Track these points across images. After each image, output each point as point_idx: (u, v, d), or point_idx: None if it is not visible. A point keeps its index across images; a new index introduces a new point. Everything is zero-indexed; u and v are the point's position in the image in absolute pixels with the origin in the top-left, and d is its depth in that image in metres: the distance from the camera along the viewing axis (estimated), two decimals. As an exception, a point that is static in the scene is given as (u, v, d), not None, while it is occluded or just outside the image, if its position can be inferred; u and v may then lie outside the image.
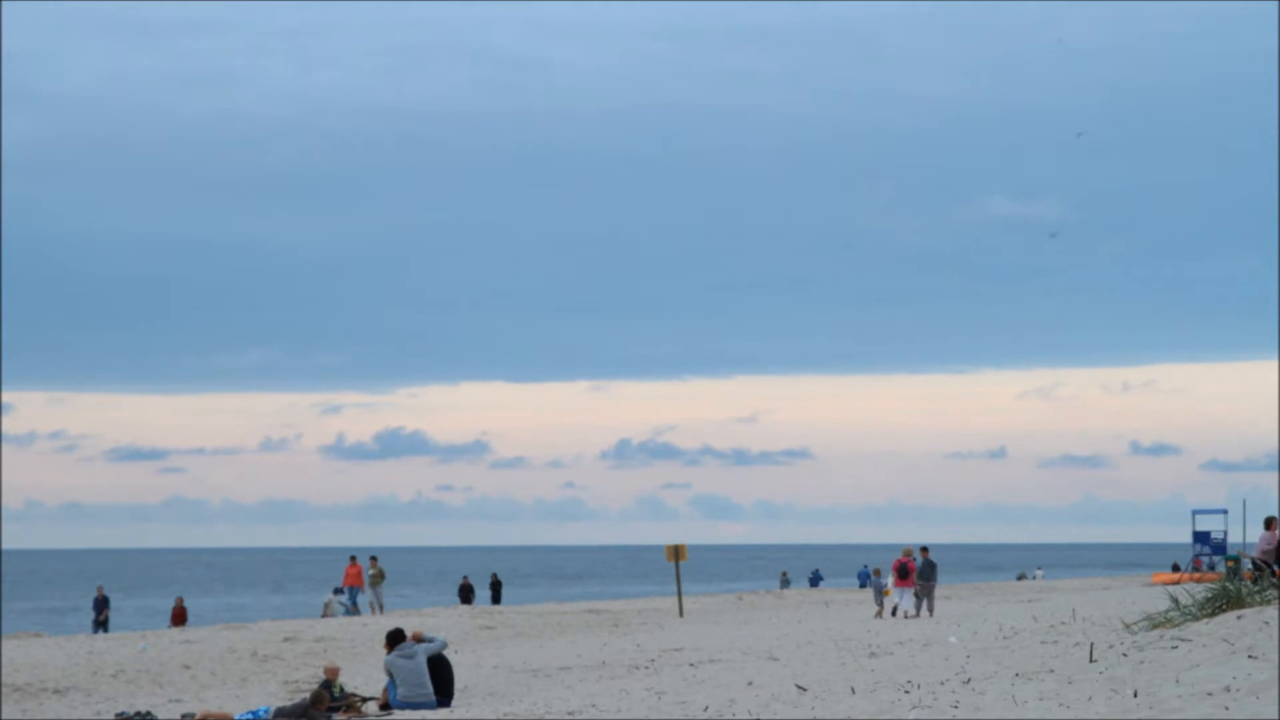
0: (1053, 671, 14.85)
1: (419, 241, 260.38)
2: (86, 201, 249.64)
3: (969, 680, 15.46)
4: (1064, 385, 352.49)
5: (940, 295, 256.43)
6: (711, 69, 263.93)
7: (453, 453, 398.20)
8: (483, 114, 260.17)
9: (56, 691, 30.12)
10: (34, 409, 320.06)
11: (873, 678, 17.97)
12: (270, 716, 24.21)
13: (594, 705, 19.63)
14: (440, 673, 24.78)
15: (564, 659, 31.81)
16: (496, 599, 62.22)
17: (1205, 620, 16.49)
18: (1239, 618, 15.88)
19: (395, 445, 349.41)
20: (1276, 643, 13.63)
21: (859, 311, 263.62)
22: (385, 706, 24.55)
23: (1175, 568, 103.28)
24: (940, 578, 47.51)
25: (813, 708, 15.33)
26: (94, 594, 54.72)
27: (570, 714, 18.99)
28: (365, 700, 24.81)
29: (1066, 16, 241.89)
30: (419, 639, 25.01)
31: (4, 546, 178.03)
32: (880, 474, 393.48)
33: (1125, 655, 15.01)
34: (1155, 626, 17.09)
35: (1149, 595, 38.65)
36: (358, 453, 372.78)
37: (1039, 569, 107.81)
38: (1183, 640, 15.06)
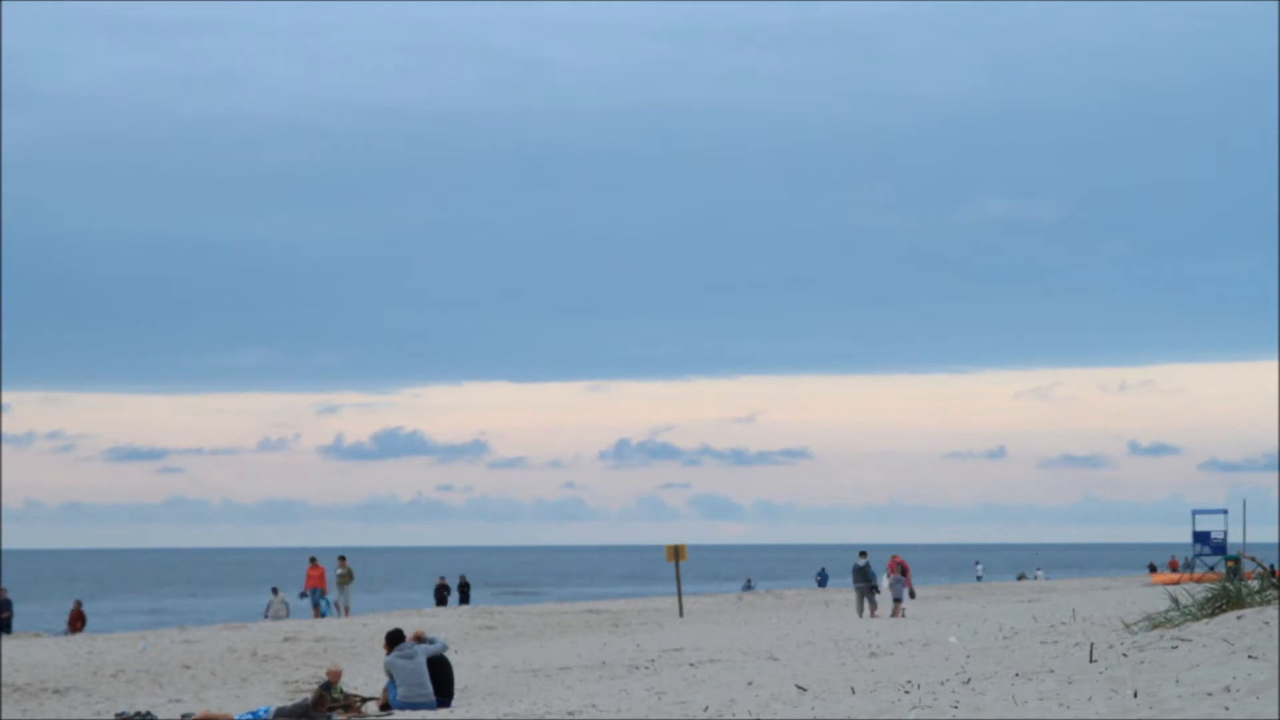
0: (1053, 671, 14.85)
1: (419, 241, 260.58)
2: (86, 201, 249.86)
3: (969, 680, 15.46)
4: (1064, 385, 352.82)
5: (940, 295, 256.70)
6: (712, 69, 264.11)
7: (452, 453, 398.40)
8: (483, 114, 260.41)
9: (56, 691, 30.12)
10: (31, 409, 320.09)
11: (873, 678, 17.96)
12: (270, 717, 24.21)
13: (594, 705, 19.63)
14: (440, 673, 24.78)
15: (564, 659, 31.81)
16: (465, 600, 61.19)
17: (1205, 620, 16.48)
18: (1239, 618, 15.87)
19: (394, 445, 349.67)
20: (1276, 643, 13.63)
21: (858, 311, 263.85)
22: (385, 707, 24.55)
23: (1152, 568, 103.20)
24: (940, 578, 48.71)
25: (813, 708, 15.33)
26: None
27: (570, 714, 18.99)
28: (365, 700, 24.81)
29: (1067, 16, 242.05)
30: (420, 639, 25.00)
31: (4, 547, 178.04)
32: (880, 474, 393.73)
33: (1125, 655, 15.00)
34: (1155, 626, 17.09)
35: (1149, 595, 38.65)
36: (356, 453, 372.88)
37: (1039, 569, 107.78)
38: (1183, 640, 15.05)
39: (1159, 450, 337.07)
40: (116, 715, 25.58)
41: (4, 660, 33.49)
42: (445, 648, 25.29)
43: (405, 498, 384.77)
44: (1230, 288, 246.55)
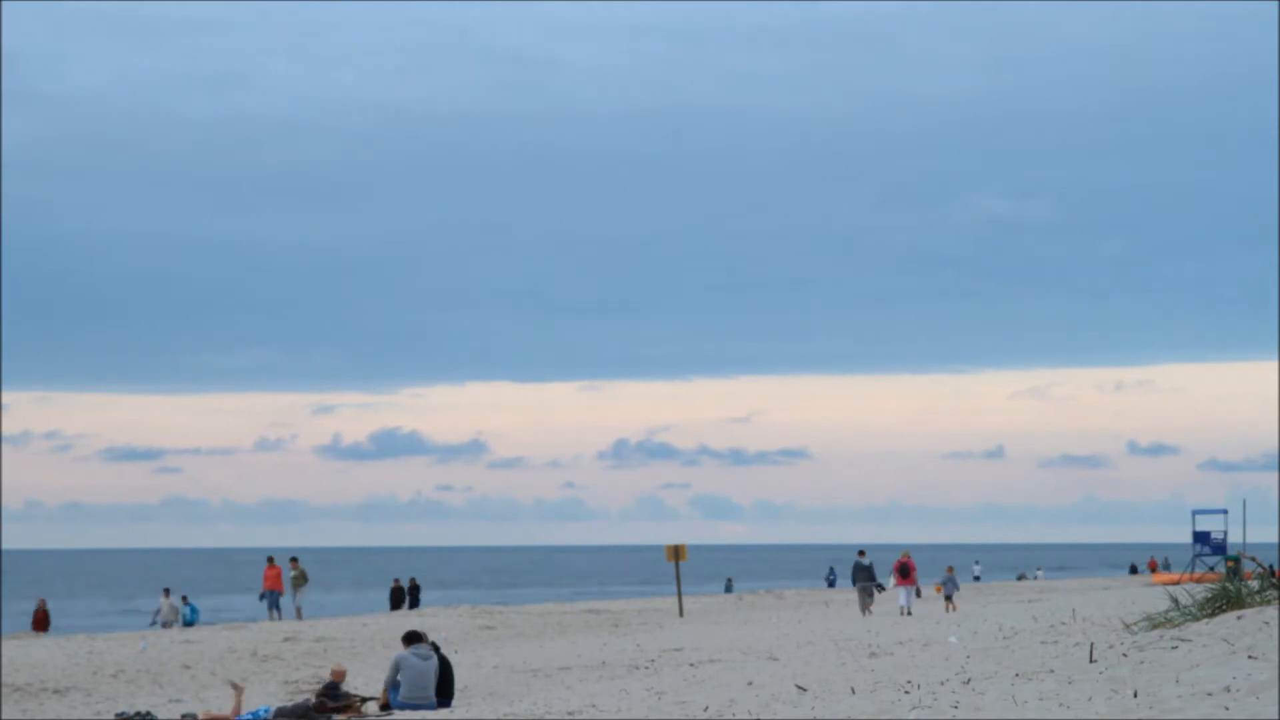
0: (1053, 671, 14.85)
1: (419, 241, 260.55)
2: (86, 201, 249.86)
3: (969, 680, 15.46)
4: (1063, 385, 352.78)
5: (939, 295, 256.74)
6: (712, 69, 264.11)
7: (450, 453, 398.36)
8: (484, 114, 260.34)
9: (56, 691, 30.12)
10: (26, 409, 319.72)
11: (873, 678, 17.96)
12: (270, 717, 24.22)
13: (594, 705, 19.63)
14: (440, 673, 24.78)
15: (564, 659, 31.81)
16: (414, 603, 59.47)
17: (1205, 620, 16.48)
18: (1239, 618, 15.87)
19: (392, 445, 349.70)
20: (1276, 643, 13.63)
21: (857, 312, 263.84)
22: (385, 707, 24.54)
23: (1133, 569, 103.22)
24: (940, 578, 49.25)
25: (813, 708, 15.33)
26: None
27: (570, 714, 18.99)
28: (365, 700, 24.81)
29: (1066, 16, 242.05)
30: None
31: (4, 547, 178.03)
32: (879, 474, 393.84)
33: (1125, 655, 15.00)
34: (1155, 626, 17.09)
35: (1149, 595, 38.65)
36: (355, 453, 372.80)
37: (1039, 569, 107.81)
38: (1183, 640, 15.05)
39: (1158, 450, 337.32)
40: (116, 715, 25.58)
41: (4, 660, 33.50)
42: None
43: (405, 497, 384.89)
44: (1230, 288, 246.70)
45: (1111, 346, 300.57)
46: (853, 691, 16.41)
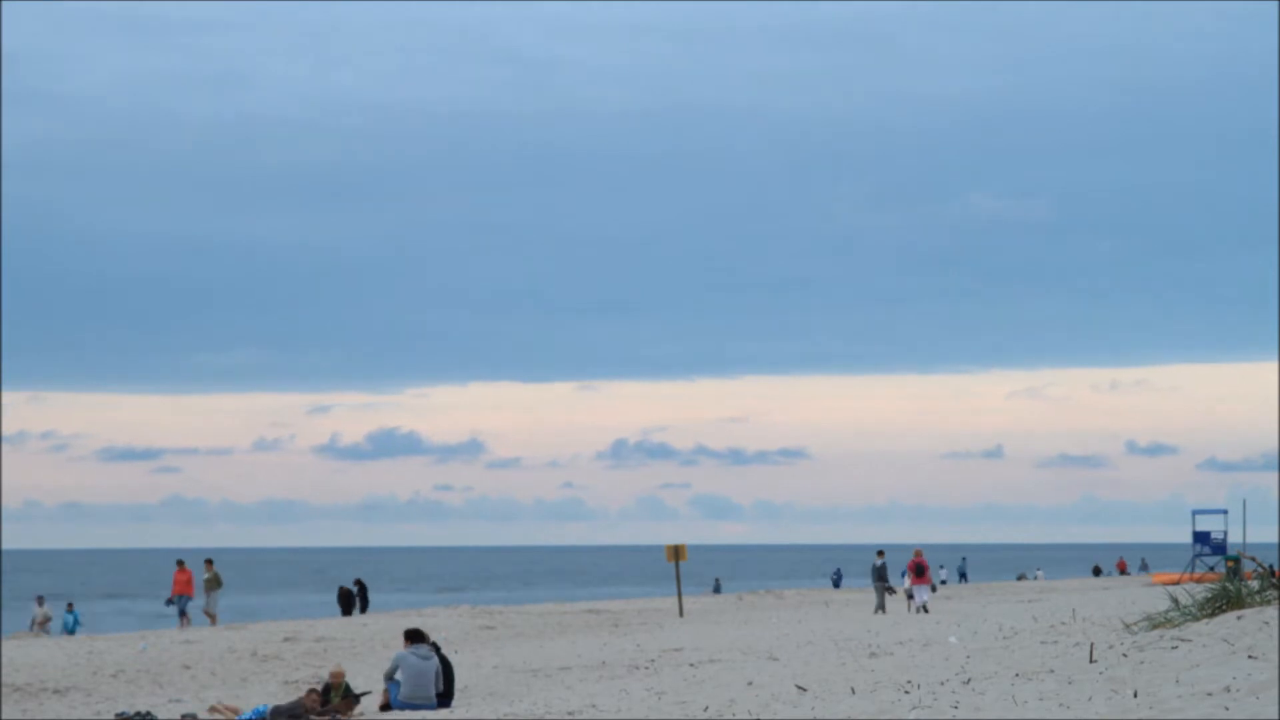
0: (1053, 671, 14.85)
1: (419, 241, 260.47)
2: (87, 201, 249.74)
3: (969, 680, 15.46)
4: (1062, 385, 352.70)
5: (938, 295, 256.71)
6: (712, 69, 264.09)
7: (448, 453, 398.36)
8: (484, 114, 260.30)
9: (56, 691, 30.12)
10: (21, 409, 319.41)
11: (873, 678, 17.96)
12: (268, 715, 24.23)
13: (594, 705, 19.63)
14: (440, 673, 24.78)
15: (564, 659, 31.81)
16: (364, 607, 56.53)
17: (1205, 620, 16.48)
18: (1239, 618, 15.87)
19: (390, 445, 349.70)
20: (1276, 643, 13.63)
21: (856, 312, 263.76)
22: (385, 706, 24.55)
23: (1096, 571, 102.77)
24: (941, 578, 49.50)
25: (813, 708, 15.33)
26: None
27: (570, 714, 18.99)
28: (359, 697, 24.81)
29: (1065, 16, 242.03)
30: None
31: (4, 547, 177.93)
32: (878, 474, 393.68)
33: (1125, 655, 15.00)
34: (1155, 627, 17.08)
35: (1149, 595, 38.64)
36: (353, 453, 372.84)
37: (1039, 569, 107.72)
38: (1183, 640, 15.05)
39: (1157, 450, 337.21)
40: (116, 715, 25.58)
41: (4, 660, 33.49)
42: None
43: (404, 497, 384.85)
44: (1230, 288, 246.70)
45: (1110, 346, 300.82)
46: (853, 691, 16.41)
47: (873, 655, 23.37)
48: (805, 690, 17.44)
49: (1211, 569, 69.69)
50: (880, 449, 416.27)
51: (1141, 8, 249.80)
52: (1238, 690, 11.80)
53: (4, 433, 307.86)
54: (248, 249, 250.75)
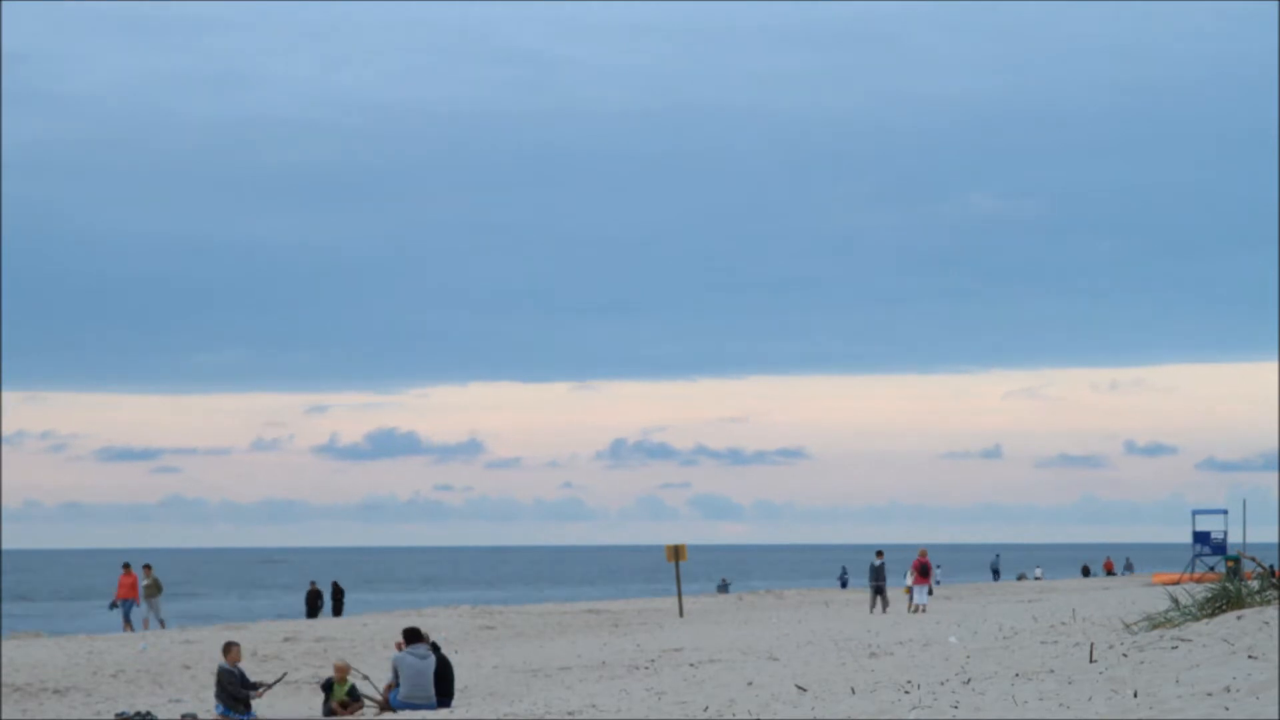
0: (1053, 671, 14.85)
1: (419, 241, 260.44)
2: (87, 201, 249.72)
3: (969, 680, 15.46)
4: (1061, 385, 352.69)
5: (938, 295, 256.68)
6: (712, 69, 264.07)
7: (447, 453, 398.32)
8: (484, 114, 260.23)
9: (56, 691, 30.12)
10: (16, 408, 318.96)
11: (873, 678, 17.96)
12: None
13: (594, 705, 19.63)
14: (440, 673, 24.79)
15: (564, 659, 31.82)
16: (338, 609, 55.62)
17: (1205, 620, 16.48)
18: (1239, 618, 15.88)
19: (389, 445, 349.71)
20: (1276, 643, 13.63)
21: (856, 312, 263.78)
22: (385, 706, 24.56)
23: (1085, 571, 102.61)
24: (942, 578, 49.68)
25: (813, 708, 15.33)
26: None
27: (570, 714, 18.99)
28: (360, 700, 24.84)
29: (1065, 16, 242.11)
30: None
31: (4, 547, 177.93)
32: (877, 474, 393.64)
33: (1125, 655, 15.00)
34: (1155, 627, 17.09)
35: (1149, 595, 38.65)
36: (352, 453, 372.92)
37: (1038, 568, 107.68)
38: (1183, 640, 15.06)
39: (1156, 450, 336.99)
40: (116, 715, 25.60)
41: (4, 660, 33.49)
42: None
43: (404, 497, 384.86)
44: (1230, 288, 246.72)
45: (1110, 346, 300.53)
46: (853, 691, 16.41)
47: (873, 655, 23.37)
48: (805, 690, 17.45)
49: (1211, 569, 69.69)
50: (880, 449, 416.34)
51: (1141, 8, 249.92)
52: (1238, 690, 11.80)
53: (3, 433, 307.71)
54: (248, 249, 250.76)
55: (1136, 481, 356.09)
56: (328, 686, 25.14)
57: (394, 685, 24.57)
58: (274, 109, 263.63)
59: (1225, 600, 17.00)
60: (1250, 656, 13.21)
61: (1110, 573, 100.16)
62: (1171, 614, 17.23)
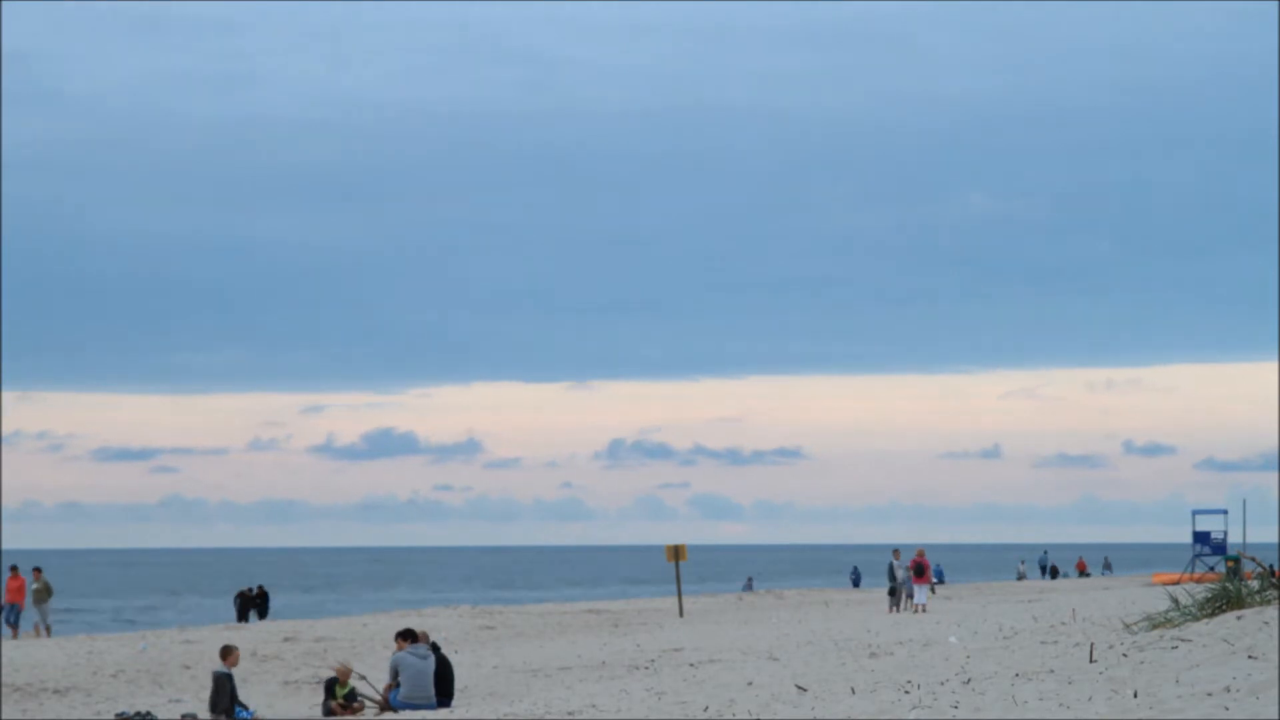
0: (1053, 671, 14.85)
1: (419, 241, 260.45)
2: (88, 202, 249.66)
3: (969, 680, 15.46)
4: (1061, 385, 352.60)
5: (937, 295, 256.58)
6: (712, 69, 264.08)
7: (445, 453, 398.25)
8: (485, 114, 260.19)
9: (56, 691, 30.12)
10: (16, 408, 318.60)
11: (873, 678, 17.96)
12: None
13: (594, 705, 19.62)
14: (440, 673, 24.79)
15: (564, 659, 31.83)
16: (262, 613, 54.27)
17: (1205, 620, 16.48)
18: (1239, 618, 15.88)
19: (387, 445, 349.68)
20: (1276, 643, 13.63)
21: (855, 312, 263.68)
22: (385, 706, 24.56)
23: (1054, 572, 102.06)
24: (948, 578, 49.88)
25: (813, 708, 15.33)
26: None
27: (570, 714, 18.99)
28: (357, 700, 24.83)
29: (1067, 16, 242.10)
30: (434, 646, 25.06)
31: (4, 547, 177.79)
32: (877, 474, 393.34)
33: (1125, 655, 15.01)
34: (1155, 627, 17.09)
35: (1149, 595, 38.66)
36: (352, 453, 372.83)
37: (1022, 560, 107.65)
38: (1183, 640, 15.06)
39: (1154, 450, 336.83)
40: (116, 715, 25.60)
41: (4, 660, 33.49)
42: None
43: (403, 497, 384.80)
44: (1230, 288, 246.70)
45: (1109, 346, 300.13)
46: (853, 691, 16.41)
47: (873, 655, 23.37)
48: (805, 690, 17.44)
49: (1211, 569, 69.70)
50: (879, 449, 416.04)
51: (1141, 8, 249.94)
52: (1238, 690, 11.81)
53: (2, 433, 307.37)
54: (248, 249, 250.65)
55: (1136, 481, 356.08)
56: (329, 687, 25.15)
57: (394, 685, 24.56)
58: (275, 109, 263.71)
59: (1225, 600, 17.00)
60: (1250, 656, 13.22)
61: (1084, 573, 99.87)
62: (1171, 614, 17.23)
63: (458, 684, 25.75)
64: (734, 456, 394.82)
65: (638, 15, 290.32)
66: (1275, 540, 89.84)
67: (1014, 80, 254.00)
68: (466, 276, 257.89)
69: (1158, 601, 21.79)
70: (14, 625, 43.89)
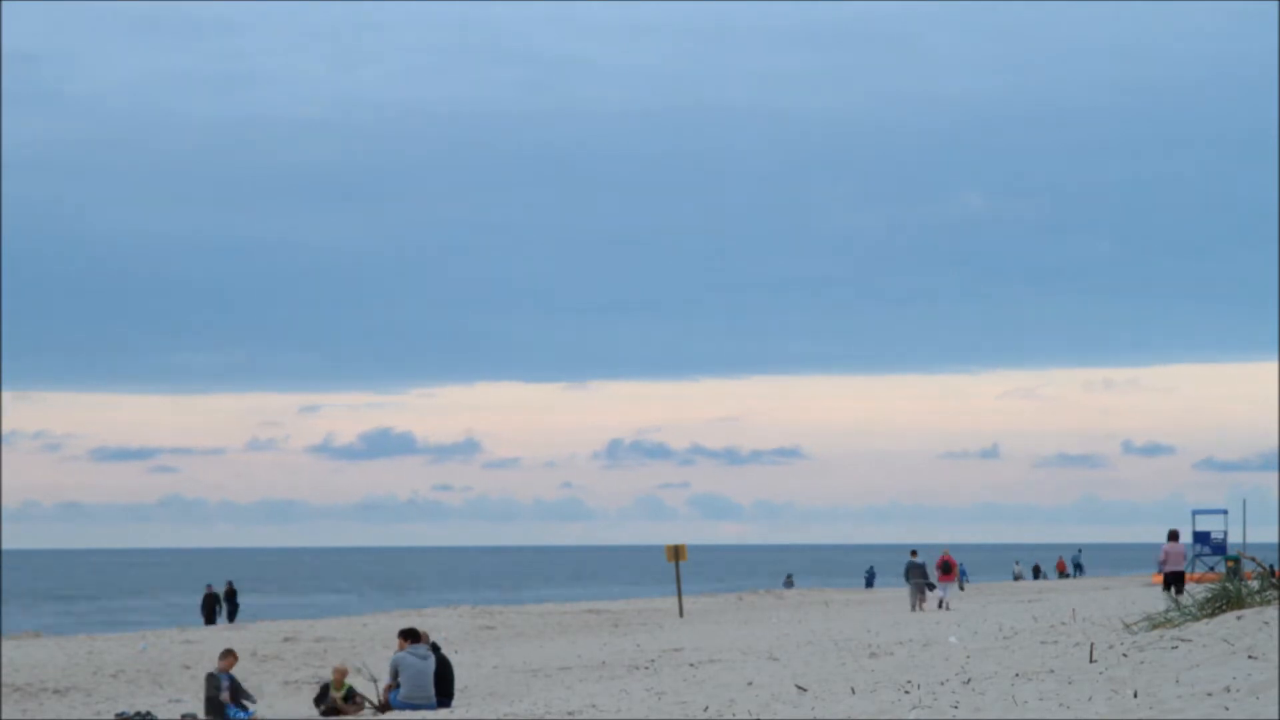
0: (1053, 671, 14.85)
1: (419, 241, 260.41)
2: (88, 202, 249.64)
3: (969, 680, 15.46)
4: (1060, 385, 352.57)
5: (936, 295, 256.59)
6: (712, 70, 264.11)
7: (444, 453, 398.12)
8: (485, 115, 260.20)
9: (56, 691, 30.13)
10: (13, 407, 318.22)
11: (873, 678, 17.96)
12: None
13: (594, 705, 19.63)
14: (440, 673, 24.78)
15: (564, 659, 31.82)
16: (231, 614, 53.72)
17: (1205, 620, 16.49)
18: (1239, 618, 15.88)
19: (385, 445, 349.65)
20: (1276, 643, 13.64)
21: (854, 312, 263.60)
22: (385, 706, 24.55)
23: (1036, 571, 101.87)
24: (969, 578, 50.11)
25: (813, 708, 15.33)
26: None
27: (570, 714, 18.99)
28: (354, 698, 24.81)
29: (1067, 16, 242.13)
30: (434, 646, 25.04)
31: (4, 547, 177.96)
32: (877, 474, 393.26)
33: (1125, 655, 15.01)
34: (1155, 627, 17.10)
35: (1149, 595, 38.67)
36: (351, 453, 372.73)
37: (1017, 560, 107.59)
38: (1183, 640, 15.06)
39: (1154, 450, 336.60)
40: (116, 715, 25.60)
41: (4, 660, 33.50)
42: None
43: (403, 497, 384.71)
44: (1230, 288, 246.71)
45: (1108, 346, 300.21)
46: (853, 691, 16.41)
47: (873, 655, 23.37)
48: (805, 690, 17.44)
49: (1211, 569, 69.71)
50: (879, 449, 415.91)
51: (1141, 8, 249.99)
52: (1238, 690, 11.81)
53: (1, 432, 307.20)
54: (248, 249, 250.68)
55: (1135, 481, 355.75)
56: (323, 690, 25.14)
57: (394, 685, 24.55)
58: (275, 109, 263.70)
59: (1225, 600, 17.01)
60: (1250, 656, 13.22)
61: (1063, 574, 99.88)
62: (1171, 614, 17.24)
63: (458, 684, 25.74)
64: (733, 456, 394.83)
65: (638, 15, 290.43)
66: (1275, 540, 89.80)
67: (1014, 80, 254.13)
68: (466, 276, 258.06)
69: (1158, 601, 21.81)
70: None
